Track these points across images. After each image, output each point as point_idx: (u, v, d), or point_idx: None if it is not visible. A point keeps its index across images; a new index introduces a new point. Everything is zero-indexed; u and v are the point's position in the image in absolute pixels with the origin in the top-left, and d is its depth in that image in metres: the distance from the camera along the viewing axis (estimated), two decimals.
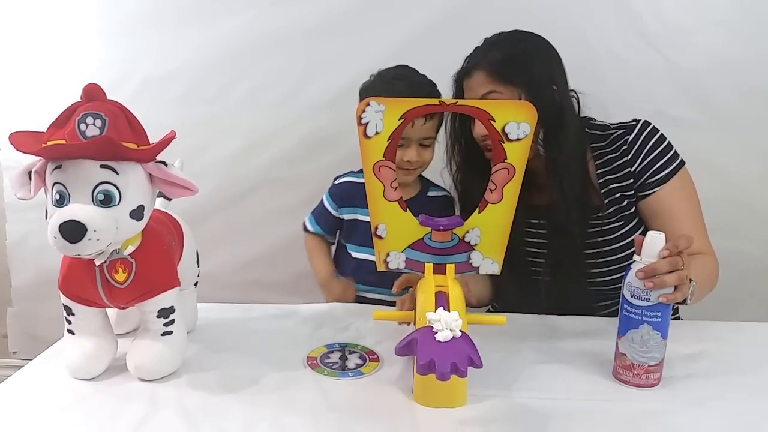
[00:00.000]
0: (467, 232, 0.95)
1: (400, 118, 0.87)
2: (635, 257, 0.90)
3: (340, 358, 0.99)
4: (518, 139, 0.87)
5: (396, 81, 1.29)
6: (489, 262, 0.97)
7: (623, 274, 1.19)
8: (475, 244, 0.95)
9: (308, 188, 1.70)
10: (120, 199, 0.81)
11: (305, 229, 1.47)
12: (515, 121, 0.86)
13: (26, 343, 1.99)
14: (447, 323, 0.77)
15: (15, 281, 1.94)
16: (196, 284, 1.12)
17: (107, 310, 0.95)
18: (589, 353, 1.01)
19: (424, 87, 1.28)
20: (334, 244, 1.49)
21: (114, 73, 1.72)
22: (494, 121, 0.86)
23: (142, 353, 0.92)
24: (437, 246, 0.96)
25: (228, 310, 1.19)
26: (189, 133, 1.65)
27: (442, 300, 0.86)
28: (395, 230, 0.96)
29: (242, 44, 1.71)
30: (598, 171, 1.22)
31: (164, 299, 0.91)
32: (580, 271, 1.22)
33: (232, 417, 0.82)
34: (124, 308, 0.93)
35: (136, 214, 0.84)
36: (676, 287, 0.88)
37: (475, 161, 1.26)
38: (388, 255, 0.98)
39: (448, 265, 0.95)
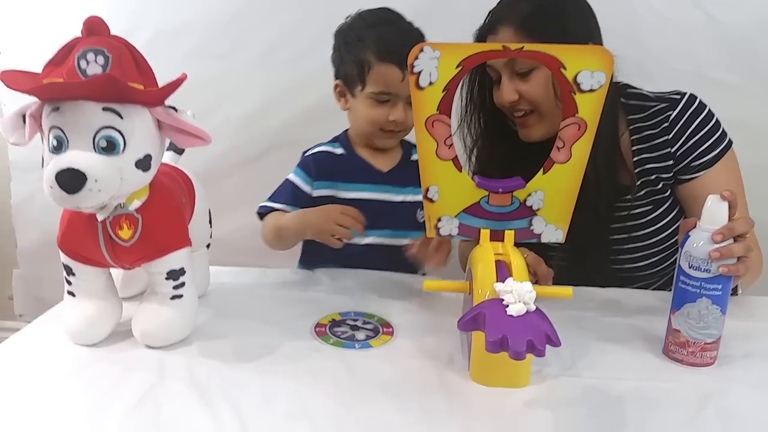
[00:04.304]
0: (529, 195, 0.86)
1: (457, 66, 0.78)
2: (697, 224, 0.81)
3: (351, 328, 0.92)
4: (591, 90, 0.77)
5: (383, 26, 1.12)
6: (553, 228, 0.88)
7: (649, 261, 1.12)
8: (538, 209, 0.87)
9: None
10: (124, 147, 0.73)
11: (263, 213, 1.17)
12: (589, 70, 0.76)
13: (32, 306, 1.93)
14: (520, 295, 0.69)
15: (20, 242, 1.88)
16: (208, 246, 1.04)
17: (112, 270, 0.87)
18: (633, 328, 0.93)
19: (415, 36, 1.11)
20: None
21: (122, 26, 1.55)
22: (565, 69, 0.77)
23: (149, 318, 0.84)
24: (495, 210, 0.87)
25: (242, 274, 1.13)
26: (200, 91, 1.57)
27: (503, 270, 0.78)
28: (448, 192, 0.87)
29: None
30: (634, 147, 1.11)
31: (174, 260, 0.83)
32: (603, 256, 1.12)
33: (247, 388, 0.75)
34: (129, 269, 0.86)
35: (143, 164, 0.75)
36: (738, 258, 0.79)
37: (497, 133, 1.17)
38: (439, 220, 0.89)
39: (506, 231, 0.87)
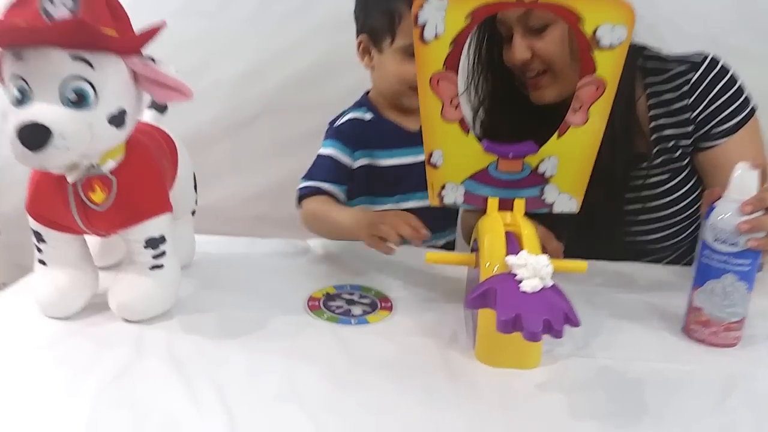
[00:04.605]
0: (542, 161, 0.79)
1: (466, 18, 0.71)
2: (724, 194, 0.75)
3: (347, 303, 0.87)
4: (611, 47, 0.71)
5: None
6: (566, 197, 0.81)
7: (664, 233, 1.06)
8: (551, 176, 0.80)
9: (321, 116, 1.50)
10: (96, 100, 0.66)
11: (303, 197, 1.08)
12: (610, 23, 0.70)
13: (15, 274, 1.85)
14: (536, 270, 0.63)
15: (2, 208, 1.79)
16: (193, 213, 0.97)
17: (87, 238, 0.81)
18: (649, 305, 0.87)
19: None
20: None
21: None
22: (583, 22, 0.70)
23: (126, 290, 0.78)
24: (504, 177, 0.81)
25: (229, 244, 1.07)
26: (188, 51, 1.49)
27: (513, 242, 0.72)
28: (454, 157, 0.80)
29: None
30: (651, 113, 1.04)
31: (153, 227, 0.77)
32: (616, 227, 1.07)
33: (232, 367, 0.69)
34: (105, 236, 0.79)
35: (117, 119, 0.68)
36: None
37: (506, 95, 1.09)
38: (443, 188, 0.83)
39: (516, 200, 0.81)
